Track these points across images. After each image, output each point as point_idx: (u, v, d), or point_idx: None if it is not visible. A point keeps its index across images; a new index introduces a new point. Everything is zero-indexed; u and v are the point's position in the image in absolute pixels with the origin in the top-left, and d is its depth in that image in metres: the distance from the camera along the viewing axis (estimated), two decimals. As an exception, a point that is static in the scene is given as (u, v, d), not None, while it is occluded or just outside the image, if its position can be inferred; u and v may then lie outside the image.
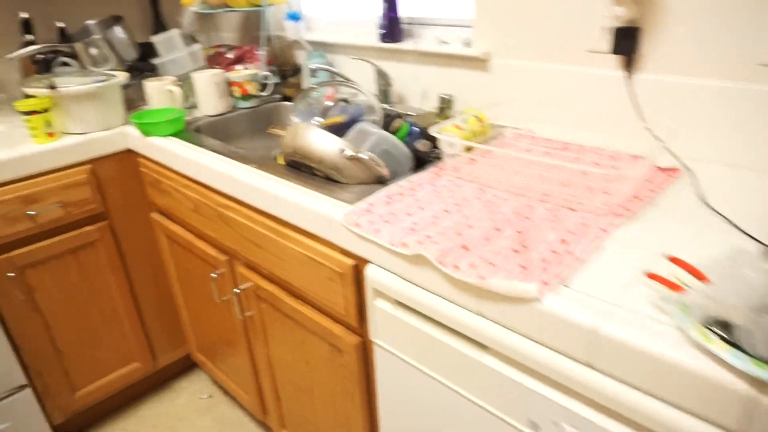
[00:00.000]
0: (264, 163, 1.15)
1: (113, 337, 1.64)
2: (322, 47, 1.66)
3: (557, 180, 0.96)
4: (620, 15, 1.02)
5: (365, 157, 0.97)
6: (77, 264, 1.49)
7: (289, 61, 1.61)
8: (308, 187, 1.00)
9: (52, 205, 1.39)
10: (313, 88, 1.17)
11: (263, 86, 1.63)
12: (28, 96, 1.39)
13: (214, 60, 1.75)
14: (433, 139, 1.17)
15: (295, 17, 1.57)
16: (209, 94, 1.51)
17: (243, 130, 1.59)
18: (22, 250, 1.38)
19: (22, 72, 1.68)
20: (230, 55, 1.74)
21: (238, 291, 1.27)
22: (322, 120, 1.10)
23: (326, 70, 1.37)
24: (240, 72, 1.59)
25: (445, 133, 1.05)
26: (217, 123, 1.53)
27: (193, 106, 1.59)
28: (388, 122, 1.17)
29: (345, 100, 1.12)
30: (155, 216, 1.55)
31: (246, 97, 1.58)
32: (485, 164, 1.06)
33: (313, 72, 1.35)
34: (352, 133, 1.07)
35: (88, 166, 1.44)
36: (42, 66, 1.60)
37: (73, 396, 1.60)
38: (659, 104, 1.04)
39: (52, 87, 1.35)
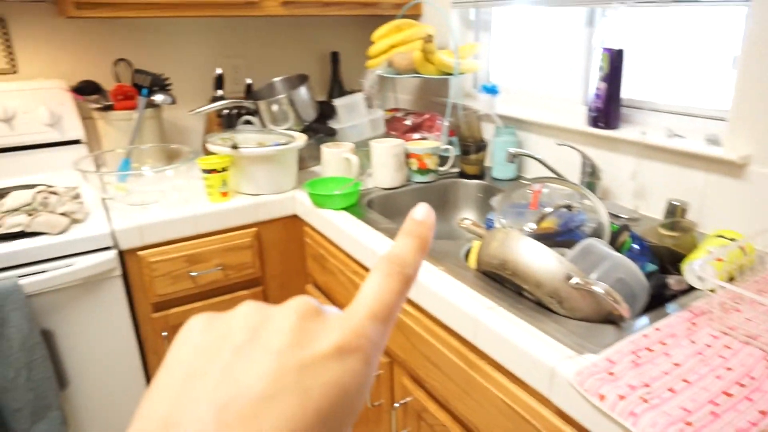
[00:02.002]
0: (453, 266, 0.96)
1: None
2: (513, 123, 1.48)
3: None
4: None
5: (600, 290, 0.74)
6: (226, 328, 1.41)
7: (473, 134, 1.45)
8: (519, 316, 0.79)
9: (214, 268, 1.32)
10: (522, 184, 0.98)
11: (443, 160, 1.47)
12: (208, 152, 1.36)
13: (391, 125, 1.64)
14: (667, 267, 0.92)
15: (492, 90, 1.40)
16: (387, 165, 1.38)
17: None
18: (180, 309, 1.32)
19: (206, 125, 1.70)
20: (408, 122, 1.62)
21: (397, 405, 1.08)
22: (535, 226, 0.90)
23: (529, 156, 1.17)
24: (421, 144, 1.45)
25: (702, 267, 0.79)
26: (391, 197, 1.40)
27: (368, 176, 1.47)
28: (612, 236, 0.94)
29: (568, 207, 0.92)
30: (310, 289, 1.43)
31: (423, 171, 1.43)
32: (756, 312, 0.78)
33: (512, 157, 1.16)
34: (576, 251, 0.84)
35: (253, 230, 1.36)
36: (226, 120, 1.59)
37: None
38: None
39: (235, 147, 1.30)
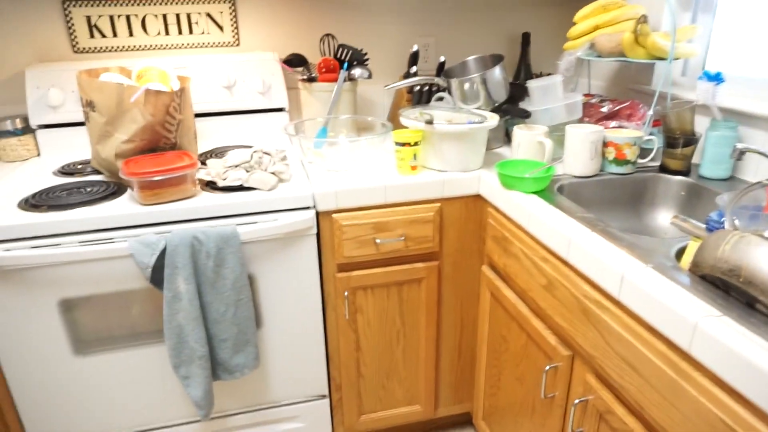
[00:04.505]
0: (663, 266, 0.88)
1: (407, 374, 1.58)
2: (734, 117, 1.31)
3: None
4: None
5: None
6: (399, 297, 1.47)
7: (683, 126, 1.31)
8: (752, 330, 0.71)
9: (397, 238, 1.37)
10: (761, 183, 0.87)
11: (643, 152, 1.36)
12: (396, 126, 1.40)
13: (584, 111, 1.56)
14: None
15: (716, 79, 1.26)
16: (581, 152, 1.31)
17: (607, 199, 1.35)
18: (361, 272, 1.40)
19: (395, 100, 1.75)
20: (604, 109, 1.52)
21: (577, 402, 1.03)
22: (776, 233, 0.79)
23: (762, 154, 1.03)
24: (621, 132, 1.35)
25: None
26: (582, 186, 1.33)
27: (559, 162, 1.42)
28: None
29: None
30: (486, 270, 1.43)
31: (620, 161, 1.33)
32: None
33: (739, 154, 1.03)
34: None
35: (436, 205, 1.39)
36: (417, 97, 1.63)
37: (358, 418, 1.60)
38: None
39: (429, 122, 1.32)
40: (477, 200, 1.42)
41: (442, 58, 1.63)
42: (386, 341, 1.51)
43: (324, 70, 1.62)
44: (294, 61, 1.69)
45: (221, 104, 1.69)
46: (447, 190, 1.38)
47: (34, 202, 1.22)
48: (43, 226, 1.15)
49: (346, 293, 1.41)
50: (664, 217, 1.33)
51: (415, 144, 1.34)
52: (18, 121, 1.56)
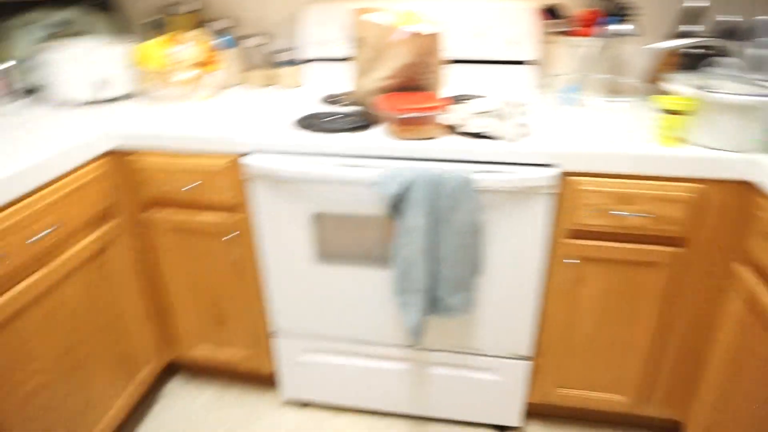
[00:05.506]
0: None
1: (619, 360, 1.48)
2: None
3: None
4: None
5: None
6: (626, 277, 1.35)
7: None
8: None
9: (638, 213, 1.26)
10: None
11: None
12: (659, 91, 1.26)
13: None
14: None
15: None
16: None
17: None
18: (590, 242, 1.32)
19: (660, 62, 1.58)
20: None
21: None
22: None
23: None
24: None
25: None
26: None
27: None
28: None
29: None
30: (741, 269, 1.24)
31: None
32: None
33: None
34: None
35: (694, 185, 1.23)
36: (685, 60, 1.44)
37: (555, 389, 1.56)
38: None
39: (707, 90, 1.16)
40: (743, 187, 1.22)
41: (722, 17, 1.40)
42: (603, 319, 1.43)
43: (581, 22, 1.52)
44: (550, 11, 1.61)
45: (468, 52, 1.70)
46: (710, 170, 1.21)
47: (305, 124, 1.38)
48: (311, 146, 1.31)
49: (571, 261, 1.35)
50: None
51: (685, 113, 1.20)
52: (290, 53, 1.77)
